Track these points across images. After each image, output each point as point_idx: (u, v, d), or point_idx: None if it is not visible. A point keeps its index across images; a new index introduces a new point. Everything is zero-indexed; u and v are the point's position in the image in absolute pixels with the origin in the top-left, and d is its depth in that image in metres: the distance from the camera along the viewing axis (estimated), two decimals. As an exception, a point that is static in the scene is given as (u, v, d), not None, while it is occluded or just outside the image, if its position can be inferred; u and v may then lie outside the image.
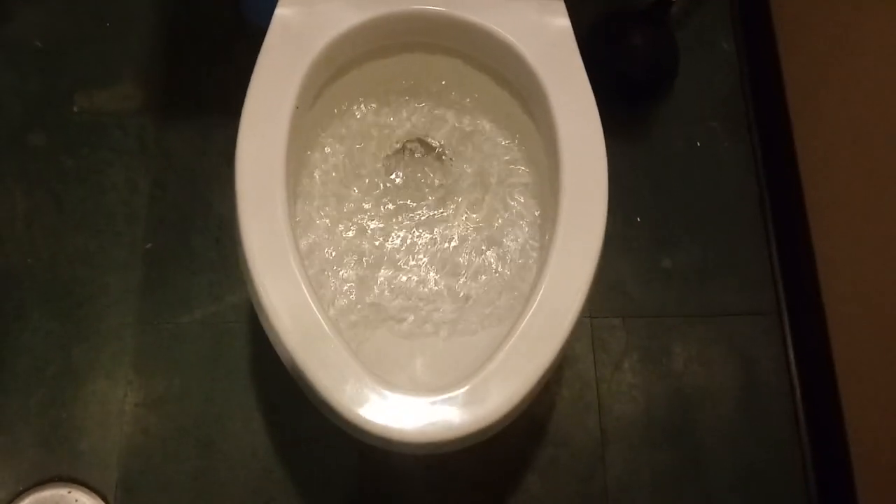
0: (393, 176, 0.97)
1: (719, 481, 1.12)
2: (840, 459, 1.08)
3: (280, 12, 0.86)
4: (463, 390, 0.72)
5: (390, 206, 0.95)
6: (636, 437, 1.13)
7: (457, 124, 0.98)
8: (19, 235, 1.17)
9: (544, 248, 0.83)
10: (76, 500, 1.05)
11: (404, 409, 0.71)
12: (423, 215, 0.95)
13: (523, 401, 0.73)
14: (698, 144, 1.29)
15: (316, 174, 0.93)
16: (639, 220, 1.24)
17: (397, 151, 0.97)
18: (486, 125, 0.98)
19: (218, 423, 1.10)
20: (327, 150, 0.95)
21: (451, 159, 0.97)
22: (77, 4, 1.29)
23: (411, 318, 0.90)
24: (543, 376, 0.74)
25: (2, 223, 1.18)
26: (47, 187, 1.20)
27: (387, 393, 0.72)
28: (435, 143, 0.98)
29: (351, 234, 0.93)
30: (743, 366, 1.18)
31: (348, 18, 0.86)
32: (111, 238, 1.18)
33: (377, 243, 0.93)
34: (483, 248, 0.93)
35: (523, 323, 0.75)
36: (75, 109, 1.24)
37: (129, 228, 1.18)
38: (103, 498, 1.06)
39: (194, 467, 1.08)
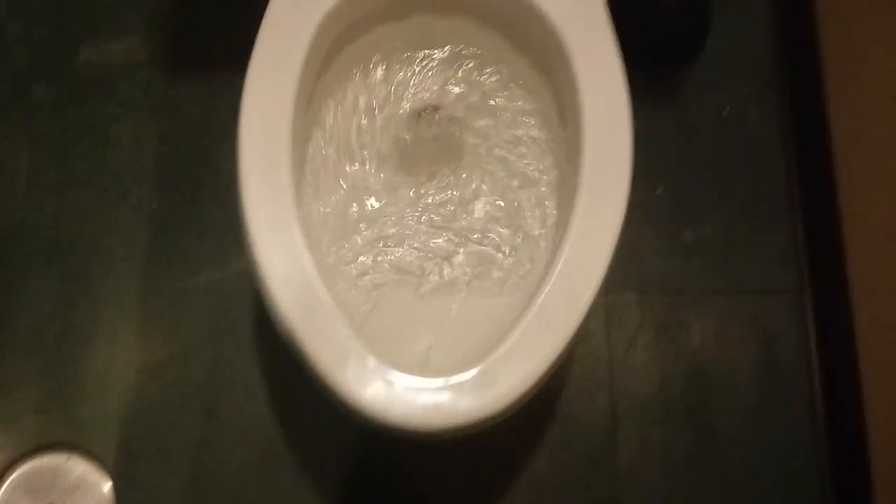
0: (406, 142, 0.93)
1: (733, 463, 1.09)
2: (857, 445, 1.05)
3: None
4: (472, 373, 0.69)
5: (402, 174, 0.91)
6: (649, 416, 1.11)
7: (472, 89, 0.93)
8: (21, 192, 1.15)
9: (561, 223, 0.80)
10: (75, 467, 1.04)
11: (410, 393, 0.69)
12: (438, 182, 0.91)
13: (535, 385, 0.71)
14: (726, 112, 1.24)
15: (322, 139, 0.90)
16: (660, 190, 1.20)
17: (410, 118, 0.93)
18: (503, 89, 0.93)
19: (221, 392, 1.08)
20: (337, 113, 0.91)
21: (466, 125, 0.93)
22: (84, -49, 1.25)
23: (425, 275, 0.88)
24: (557, 360, 0.72)
25: (4, 178, 1.15)
26: (51, 142, 1.17)
27: (391, 374, 0.69)
28: (449, 110, 0.94)
29: (358, 202, 0.90)
30: (762, 345, 1.14)
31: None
32: (116, 196, 1.15)
33: (389, 209, 0.90)
34: (499, 214, 0.90)
35: (537, 303, 0.72)
36: (81, 61, 1.21)
37: (134, 187, 1.16)
38: (103, 464, 1.05)
39: (195, 435, 1.07)
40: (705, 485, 1.08)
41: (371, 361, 0.69)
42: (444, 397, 0.69)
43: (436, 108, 0.94)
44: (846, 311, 1.10)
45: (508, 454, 1.08)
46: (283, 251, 0.73)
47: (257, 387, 1.09)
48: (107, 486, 1.04)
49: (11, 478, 1.03)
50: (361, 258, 0.87)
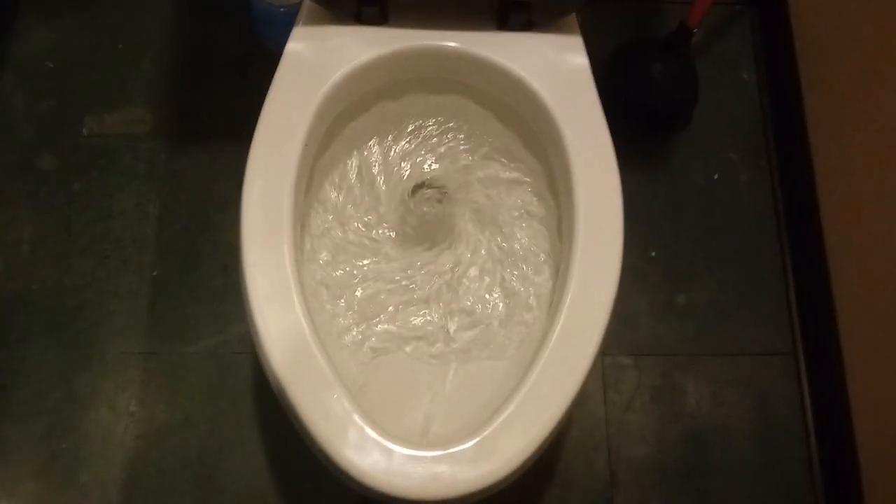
0: (402, 220, 0.95)
1: (731, 528, 1.09)
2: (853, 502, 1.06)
3: (291, 47, 0.84)
4: (471, 444, 0.70)
5: (400, 249, 0.93)
6: (646, 479, 1.11)
7: (468, 165, 0.96)
8: (26, 259, 1.16)
9: (556, 293, 0.81)
10: (74, 535, 1.04)
11: (409, 463, 0.69)
12: (434, 254, 0.93)
13: (533, 455, 0.71)
14: (716, 177, 1.27)
15: (321, 212, 0.92)
16: (653, 253, 1.22)
17: (406, 193, 0.96)
18: (498, 166, 0.96)
19: (219, 457, 1.08)
20: (334, 194, 0.94)
21: (459, 200, 0.95)
22: (90, 25, 1.28)
23: (422, 343, 0.89)
24: (555, 429, 0.72)
25: (9, 246, 1.17)
26: (55, 211, 1.19)
27: (389, 446, 0.70)
28: (444, 186, 0.96)
29: (359, 273, 0.91)
30: (757, 406, 1.15)
31: (361, 54, 0.84)
32: (118, 264, 1.17)
33: (387, 284, 0.91)
34: (493, 285, 0.91)
35: (535, 373, 0.73)
36: (85, 132, 1.23)
37: (136, 254, 1.17)
38: (102, 532, 1.04)
39: (195, 501, 1.06)
40: (704, 549, 1.08)
41: (370, 432, 0.70)
42: (443, 468, 0.69)
43: (430, 185, 0.96)
44: (839, 372, 1.11)
45: (507, 519, 1.08)
46: (281, 320, 0.74)
47: (256, 453, 1.09)
48: (106, 554, 1.03)
49: (10, 547, 1.03)
50: (360, 326, 0.88)
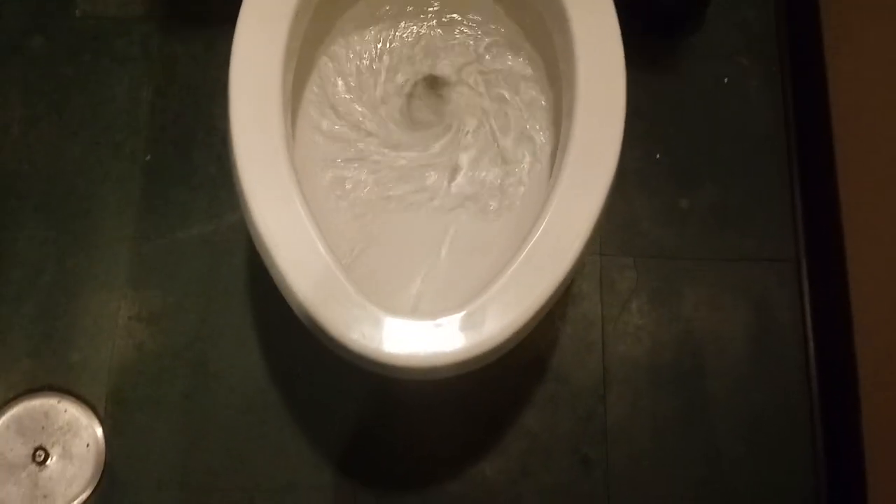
0: (400, 108, 0.93)
1: (723, 429, 1.09)
2: (850, 414, 1.05)
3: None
4: (460, 315, 0.69)
5: (400, 133, 0.91)
6: (640, 379, 1.10)
7: (467, 53, 0.93)
8: (16, 142, 1.15)
9: (553, 174, 0.80)
10: (66, 410, 1.04)
11: (398, 333, 0.69)
12: (434, 133, 0.91)
13: (521, 330, 0.71)
14: (726, 81, 1.23)
15: (315, 89, 0.90)
16: (658, 156, 1.19)
17: (406, 84, 0.93)
18: (501, 58, 0.93)
19: (212, 342, 1.08)
20: (332, 79, 0.91)
21: (462, 92, 0.93)
22: None
23: (418, 202, 0.88)
24: (544, 307, 0.71)
25: (-1, 129, 1.15)
26: (46, 94, 1.17)
27: (380, 316, 0.69)
28: (446, 76, 0.94)
29: (354, 150, 0.90)
30: (756, 313, 1.14)
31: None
32: (110, 149, 1.15)
33: (384, 157, 0.90)
34: (494, 163, 0.91)
35: (526, 250, 0.72)
36: (78, 14, 1.20)
37: (129, 139, 1.15)
38: (93, 409, 1.05)
39: (186, 385, 1.07)
40: (694, 448, 1.08)
41: (359, 300, 0.69)
42: (433, 337, 0.69)
43: (430, 75, 0.94)
44: (842, 280, 1.09)
45: (500, 412, 1.08)
46: (274, 197, 0.72)
47: (248, 338, 1.09)
48: (97, 429, 1.04)
49: (2, 419, 1.04)
50: (357, 193, 0.88)
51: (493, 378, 1.08)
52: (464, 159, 0.90)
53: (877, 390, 1.03)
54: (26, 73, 1.18)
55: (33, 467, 1.03)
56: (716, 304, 1.14)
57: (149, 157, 1.15)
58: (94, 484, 1.03)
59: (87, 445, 1.03)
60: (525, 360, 1.10)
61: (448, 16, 0.94)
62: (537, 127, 0.91)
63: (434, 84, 0.94)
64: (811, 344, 1.13)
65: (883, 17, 1.06)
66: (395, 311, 0.70)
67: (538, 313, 0.71)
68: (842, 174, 1.13)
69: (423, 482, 1.06)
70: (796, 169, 1.21)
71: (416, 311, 0.83)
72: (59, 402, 1.04)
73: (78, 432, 1.04)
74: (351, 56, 0.93)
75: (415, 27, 0.94)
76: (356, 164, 0.89)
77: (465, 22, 0.94)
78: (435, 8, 0.94)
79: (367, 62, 0.93)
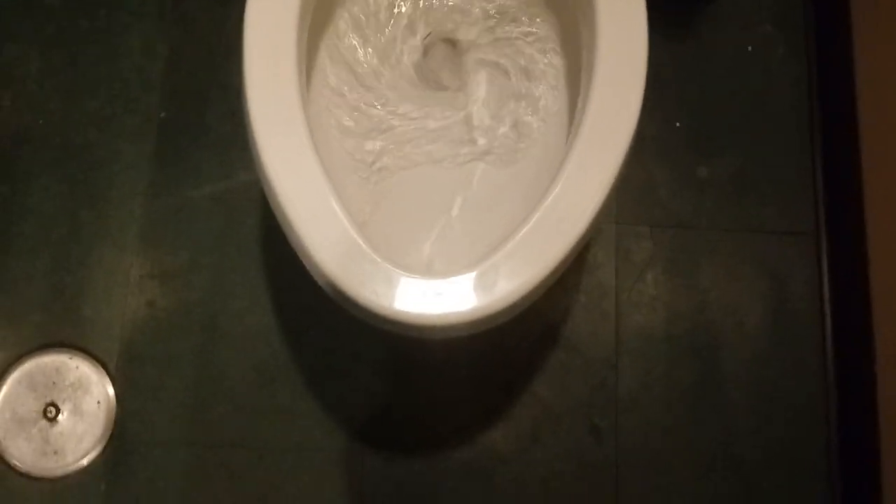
0: (415, 62, 0.92)
1: (736, 402, 1.08)
2: (865, 389, 1.04)
3: None
4: (472, 275, 0.69)
5: (412, 88, 0.90)
6: (653, 349, 1.10)
7: (486, 17, 0.92)
8: (32, 94, 1.14)
9: (570, 136, 0.78)
10: (77, 367, 1.05)
11: (411, 291, 0.68)
12: (447, 94, 0.90)
13: (533, 291, 0.70)
14: (750, 49, 1.21)
15: (330, 46, 0.89)
16: (678, 124, 1.17)
17: (420, 42, 0.92)
18: (515, 22, 0.92)
19: (224, 301, 1.08)
20: (345, 19, 0.90)
21: (477, 51, 0.92)
22: None
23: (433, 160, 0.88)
24: (556, 269, 0.71)
25: (15, 81, 1.15)
26: (62, 48, 1.16)
27: (393, 274, 0.68)
28: (458, 40, 0.92)
29: (367, 108, 0.89)
30: (773, 286, 1.12)
31: None
32: (125, 104, 1.14)
33: (397, 116, 0.89)
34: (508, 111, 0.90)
35: (540, 211, 0.70)
36: (94, -32, 1.19)
37: (143, 95, 1.15)
38: (104, 366, 1.05)
39: (197, 343, 1.07)
40: (706, 420, 1.08)
41: (375, 260, 0.69)
42: (445, 296, 0.68)
43: (444, 38, 0.92)
44: (862, 255, 1.08)
45: (512, 379, 1.08)
46: (288, 149, 0.71)
47: (261, 298, 1.08)
48: (108, 386, 1.05)
49: (14, 374, 1.04)
50: (371, 151, 0.87)
51: (505, 345, 1.08)
52: (477, 113, 0.89)
53: (893, 366, 1.02)
54: (42, 27, 1.17)
55: (44, 423, 1.03)
56: (733, 276, 1.12)
57: (163, 115, 1.14)
58: (105, 441, 1.03)
59: (98, 402, 1.04)
60: (538, 328, 1.09)
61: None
62: (552, 76, 0.90)
63: (448, 44, 0.92)
64: (828, 318, 1.12)
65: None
66: (409, 269, 0.69)
67: (551, 275, 0.70)
68: (865, 148, 1.11)
69: (433, 448, 1.06)
70: (819, 141, 1.18)
71: (430, 269, 0.82)
72: (70, 358, 1.05)
73: (89, 389, 1.04)
74: (366, 13, 0.91)
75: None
76: (369, 123, 0.88)
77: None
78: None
79: (384, 19, 0.91)
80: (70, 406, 1.04)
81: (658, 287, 1.12)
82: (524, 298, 0.69)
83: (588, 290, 1.11)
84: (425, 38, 0.92)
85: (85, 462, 1.03)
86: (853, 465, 1.06)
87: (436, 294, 0.68)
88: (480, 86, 0.90)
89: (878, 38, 1.11)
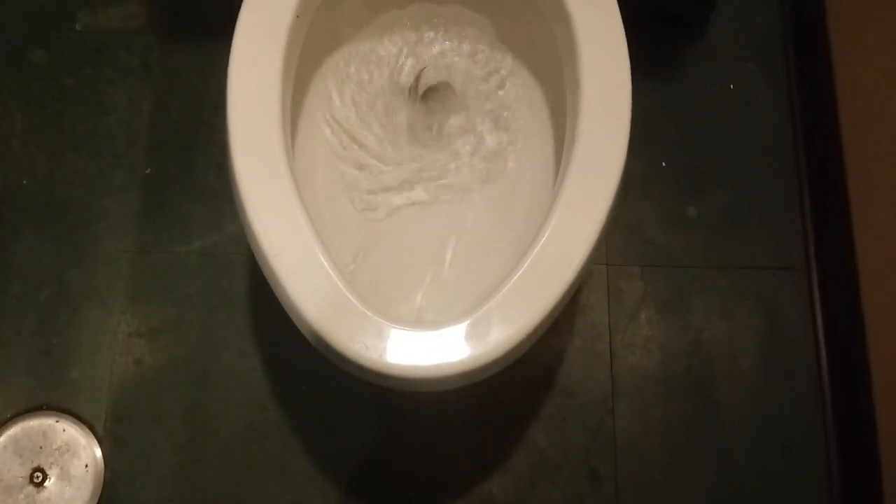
0: (402, 116, 0.92)
1: (735, 440, 1.07)
2: (864, 422, 1.03)
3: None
4: (464, 325, 0.68)
5: (399, 140, 0.90)
6: (649, 390, 1.08)
7: (470, 63, 0.93)
8: (16, 154, 1.14)
9: (558, 180, 0.78)
10: (64, 430, 1.03)
11: (402, 343, 0.67)
12: (437, 145, 0.90)
13: (527, 339, 0.69)
14: (732, 87, 1.22)
15: (316, 98, 0.89)
16: (664, 164, 1.18)
17: (409, 94, 0.93)
18: (499, 56, 0.93)
19: (213, 356, 1.07)
20: (330, 74, 0.90)
21: (463, 98, 0.92)
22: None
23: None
24: (549, 316, 0.70)
25: (-1, 141, 1.15)
26: (47, 106, 1.16)
27: (383, 326, 0.67)
28: (446, 82, 0.93)
29: (355, 159, 0.89)
30: (767, 322, 1.12)
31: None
32: (110, 161, 1.14)
33: (384, 165, 0.89)
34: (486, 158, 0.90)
35: (530, 257, 0.70)
36: (78, 27, 1.20)
37: (129, 151, 1.15)
38: (91, 428, 1.03)
39: (187, 400, 1.05)
40: (706, 459, 1.06)
41: (362, 310, 0.68)
42: (437, 348, 0.67)
43: (430, 86, 0.93)
44: (854, 288, 1.08)
45: (507, 427, 1.06)
46: (273, 202, 0.71)
47: (250, 352, 1.07)
48: (96, 449, 1.03)
49: (0, 440, 1.02)
50: (359, 200, 0.87)
51: (499, 392, 1.07)
52: (467, 159, 0.89)
53: (891, 397, 1.01)
54: (27, 86, 1.17)
55: (31, 489, 1.01)
56: (725, 314, 1.12)
57: (149, 170, 1.14)
58: (93, 505, 1.01)
59: (86, 466, 1.02)
60: (532, 372, 1.08)
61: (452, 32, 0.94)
62: (537, 120, 0.90)
63: (438, 91, 0.93)
64: (823, 352, 1.11)
65: (891, 19, 1.05)
66: (399, 320, 0.68)
67: (543, 322, 0.70)
68: (851, 180, 1.11)
69: (428, 502, 1.04)
70: (805, 175, 1.19)
71: (420, 320, 0.81)
72: (57, 421, 1.03)
73: (76, 452, 1.02)
74: (352, 65, 0.92)
75: (412, 34, 0.93)
76: (357, 171, 0.88)
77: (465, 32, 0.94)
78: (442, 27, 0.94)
79: (368, 71, 0.92)
80: (57, 471, 1.01)
81: (652, 327, 1.11)
82: (518, 346, 0.69)
83: (582, 332, 1.10)
84: (416, 79, 0.92)
85: (73, 528, 1.00)
86: (855, 499, 1.05)
87: (427, 346, 0.67)
88: (468, 132, 0.90)
89: (860, 71, 1.12)
